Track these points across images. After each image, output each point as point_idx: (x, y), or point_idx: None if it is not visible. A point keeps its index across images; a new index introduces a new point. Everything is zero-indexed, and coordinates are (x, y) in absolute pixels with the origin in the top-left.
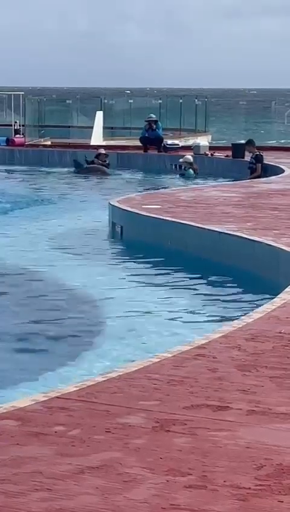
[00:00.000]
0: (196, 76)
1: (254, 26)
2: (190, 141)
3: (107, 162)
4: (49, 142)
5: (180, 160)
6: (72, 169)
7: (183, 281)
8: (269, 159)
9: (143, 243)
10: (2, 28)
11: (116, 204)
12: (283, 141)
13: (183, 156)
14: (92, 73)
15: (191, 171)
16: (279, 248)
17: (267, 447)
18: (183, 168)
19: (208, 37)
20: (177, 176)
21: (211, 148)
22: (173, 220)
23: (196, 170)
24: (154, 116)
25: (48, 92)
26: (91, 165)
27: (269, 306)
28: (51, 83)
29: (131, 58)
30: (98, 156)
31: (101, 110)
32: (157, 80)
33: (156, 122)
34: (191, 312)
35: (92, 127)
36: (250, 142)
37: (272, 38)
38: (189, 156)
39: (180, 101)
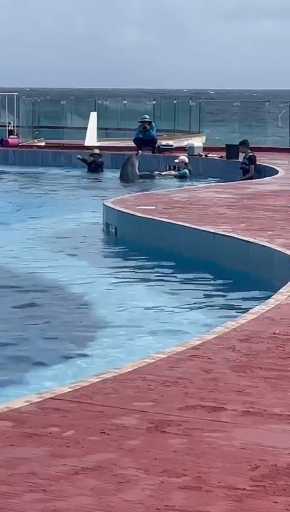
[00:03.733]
0: (196, 78)
1: (253, 29)
2: (184, 142)
3: (101, 160)
4: (43, 143)
5: (176, 160)
6: (82, 168)
7: (178, 281)
8: (263, 160)
9: (137, 243)
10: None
11: (111, 205)
12: (276, 142)
13: (178, 156)
14: (90, 75)
15: (186, 171)
16: (273, 249)
17: (262, 448)
18: (178, 168)
19: (207, 39)
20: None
21: (205, 149)
22: (167, 220)
23: (191, 171)
24: (148, 117)
25: (45, 93)
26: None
27: (263, 307)
28: (48, 84)
29: (129, 60)
30: (92, 155)
31: (95, 111)
32: (156, 81)
33: (150, 123)
34: (185, 313)
35: (86, 128)
36: (244, 143)
37: (272, 40)
38: (184, 157)
39: (175, 102)
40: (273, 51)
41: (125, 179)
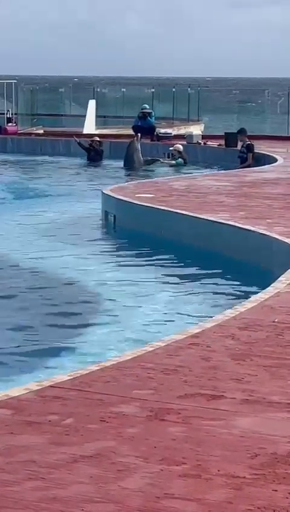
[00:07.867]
0: (197, 65)
1: (256, 16)
2: (183, 130)
3: (101, 148)
4: (41, 131)
5: (171, 148)
6: (81, 156)
7: (176, 270)
8: (262, 148)
9: (136, 231)
10: (1, 16)
11: (109, 193)
12: (275, 130)
13: (174, 144)
14: (91, 64)
15: (180, 159)
16: (272, 237)
17: (262, 436)
18: (172, 156)
19: (209, 26)
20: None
21: (203, 137)
22: (166, 208)
23: (186, 159)
24: (148, 107)
25: (43, 81)
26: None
27: (262, 295)
28: (47, 72)
29: (131, 48)
30: (92, 141)
31: (93, 98)
32: (157, 69)
33: (149, 113)
34: (184, 301)
35: (84, 116)
36: (242, 131)
37: (274, 27)
38: (179, 145)
39: (173, 89)
40: (276, 38)
41: (131, 165)
